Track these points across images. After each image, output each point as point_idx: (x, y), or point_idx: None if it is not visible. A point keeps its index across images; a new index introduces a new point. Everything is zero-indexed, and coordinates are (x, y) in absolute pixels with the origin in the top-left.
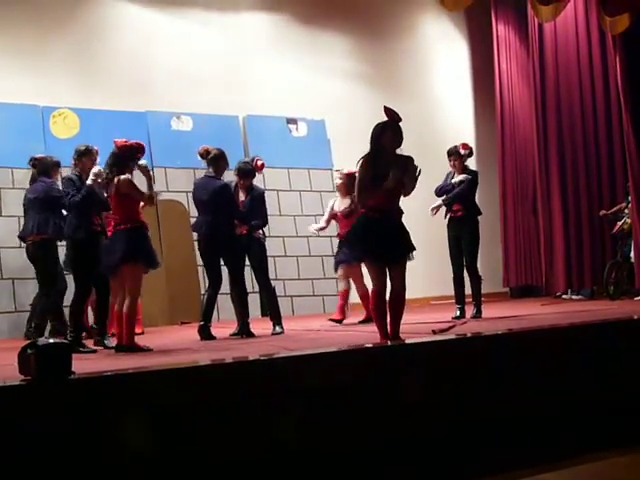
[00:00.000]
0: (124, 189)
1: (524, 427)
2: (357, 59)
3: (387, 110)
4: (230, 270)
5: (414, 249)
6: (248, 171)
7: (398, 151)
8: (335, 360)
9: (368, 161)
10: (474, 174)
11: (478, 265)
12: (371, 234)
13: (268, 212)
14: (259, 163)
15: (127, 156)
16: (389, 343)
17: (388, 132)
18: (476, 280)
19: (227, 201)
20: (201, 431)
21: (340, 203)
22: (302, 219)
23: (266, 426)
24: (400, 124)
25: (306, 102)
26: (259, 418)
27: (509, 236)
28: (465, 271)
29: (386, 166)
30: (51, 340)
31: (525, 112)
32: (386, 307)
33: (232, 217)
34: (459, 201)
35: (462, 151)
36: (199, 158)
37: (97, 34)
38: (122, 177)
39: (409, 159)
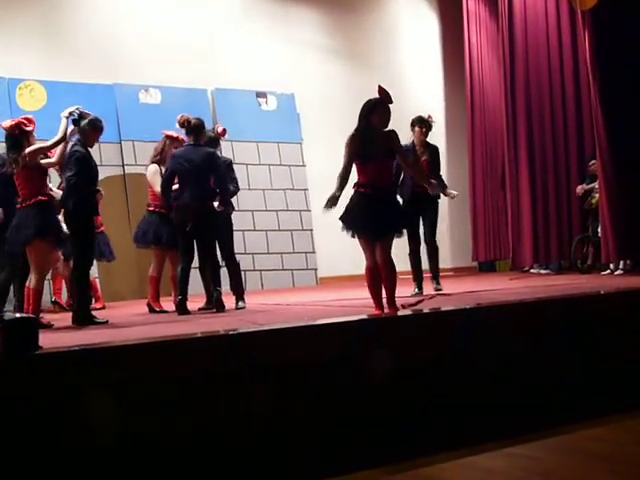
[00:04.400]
0: (33, 158)
1: (492, 401)
2: (327, 33)
3: (381, 90)
4: (206, 243)
5: (404, 227)
6: (212, 139)
7: None
8: (304, 335)
9: (356, 137)
10: (434, 148)
11: (448, 240)
12: (362, 209)
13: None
14: (220, 129)
15: (19, 133)
16: (384, 314)
17: (378, 111)
18: (435, 251)
19: (216, 168)
20: (169, 406)
21: None
22: (271, 193)
23: (235, 403)
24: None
25: (276, 76)
26: (229, 394)
27: (478, 211)
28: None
29: (374, 144)
30: (17, 315)
31: (495, 87)
32: (380, 280)
33: (220, 186)
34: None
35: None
36: (178, 127)
37: (64, 5)
38: (27, 150)
39: (393, 132)
